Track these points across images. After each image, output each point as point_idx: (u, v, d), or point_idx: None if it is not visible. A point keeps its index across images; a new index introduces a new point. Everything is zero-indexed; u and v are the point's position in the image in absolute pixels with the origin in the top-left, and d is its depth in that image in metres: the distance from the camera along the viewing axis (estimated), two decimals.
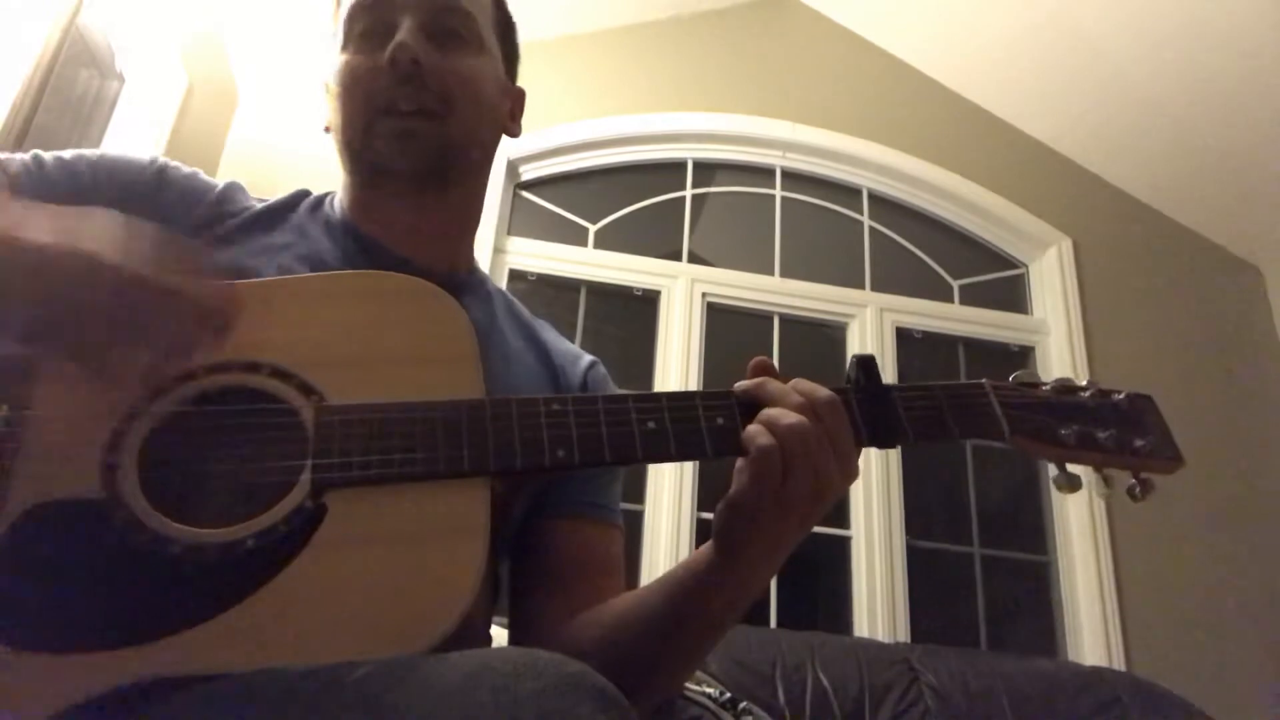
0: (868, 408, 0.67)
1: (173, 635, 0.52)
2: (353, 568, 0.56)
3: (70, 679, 0.50)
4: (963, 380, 0.72)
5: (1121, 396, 0.74)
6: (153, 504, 0.57)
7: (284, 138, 2.63)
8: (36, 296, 0.57)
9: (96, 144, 2.07)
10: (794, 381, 0.66)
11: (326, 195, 0.89)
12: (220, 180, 0.83)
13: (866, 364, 0.69)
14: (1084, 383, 0.76)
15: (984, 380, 0.72)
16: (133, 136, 2.17)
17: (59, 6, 1.77)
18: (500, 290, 0.94)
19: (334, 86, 0.82)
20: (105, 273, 0.57)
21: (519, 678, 0.43)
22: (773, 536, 0.65)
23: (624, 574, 0.85)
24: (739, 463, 0.64)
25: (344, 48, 0.82)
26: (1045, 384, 0.74)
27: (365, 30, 0.81)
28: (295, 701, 0.46)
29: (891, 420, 0.67)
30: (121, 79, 2.16)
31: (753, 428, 0.63)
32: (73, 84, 1.94)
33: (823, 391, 0.64)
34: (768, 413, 0.63)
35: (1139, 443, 0.72)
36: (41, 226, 0.58)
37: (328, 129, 0.85)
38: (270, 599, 0.54)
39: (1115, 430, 0.72)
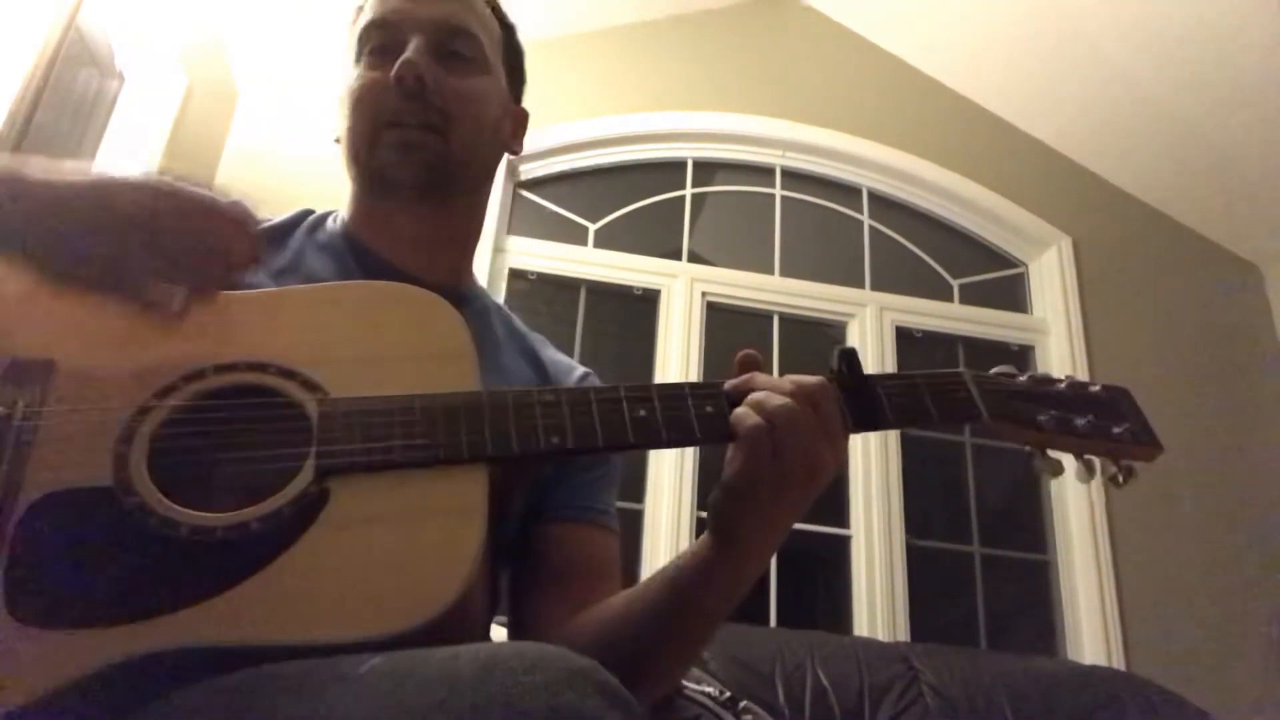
0: (850, 394, 0.70)
1: (176, 611, 0.54)
2: (354, 547, 0.58)
3: (76, 653, 0.52)
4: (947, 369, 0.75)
5: (1098, 388, 0.77)
6: (162, 491, 0.59)
7: (283, 138, 2.63)
8: (65, 229, 0.63)
9: (96, 143, 2.07)
10: (786, 376, 0.68)
11: (328, 214, 0.92)
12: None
13: (849, 355, 0.72)
14: (1061, 376, 0.78)
15: (963, 369, 0.75)
16: (132, 136, 2.17)
17: (59, 6, 1.77)
18: (498, 306, 0.97)
19: (344, 99, 0.86)
20: (123, 198, 0.63)
21: (527, 671, 0.44)
22: (768, 518, 0.67)
23: (620, 577, 0.87)
24: (729, 451, 0.66)
25: (356, 63, 0.87)
26: (1023, 376, 0.77)
27: (376, 47, 0.85)
28: (303, 693, 0.47)
29: (873, 405, 0.71)
30: (121, 78, 2.16)
31: (740, 410, 0.65)
32: (73, 83, 1.94)
33: (813, 378, 0.67)
34: (755, 396, 0.65)
35: (1117, 429, 0.74)
36: (59, 171, 0.65)
37: (338, 140, 0.88)
38: (273, 577, 0.56)
39: (1093, 416, 0.74)
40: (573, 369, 0.94)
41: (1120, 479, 0.74)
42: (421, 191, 0.83)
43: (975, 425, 0.74)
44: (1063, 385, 0.77)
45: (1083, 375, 2.75)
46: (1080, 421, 0.74)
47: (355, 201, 0.89)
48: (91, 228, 0.63)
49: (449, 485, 0.62)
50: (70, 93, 1.94)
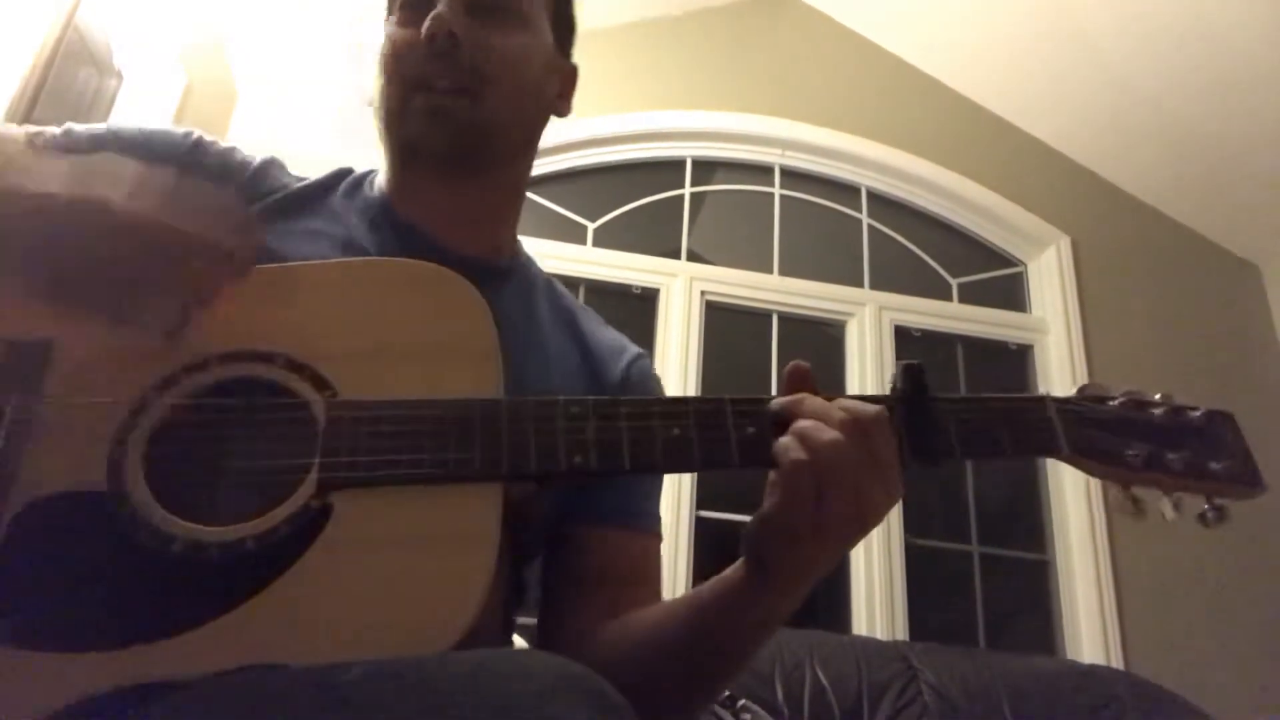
0: (913, 422, 0.62)
1: (171, 638, 0.51)
2: (355, 573, 0.55)
3: (65, 680, 0.50)
4: (1021, 392, 0.67)
5: (1199, 414, 0.68)
6: (158, 498, 0.56)
7: (283, 138, 2.63)
8: (46, 245, 0.59)
9: None
10: (838, 400, 0.61)
11: (367, 175, 0.86)
12: (257, 156, 0.83)
13: (914, 373, 0.64)
14: (1157, 397, 0.69)
15: (1045, 393, 0.67)
16: None
17: (58, 5, 1.77)
18: (545, 277, 0.90)
19: (376, 59, 0.80)
20: (116, 218, 0.59)
21: (516, 680, 0.43)
22: (808, 558, 0.60)
23: (659, 582, 0.82)
24: (771, 476, 0.60)
25: (387, 18, 0.80)
26: (1114, 398, 0.68)
27: (407, 1, 0.79)
28: (287, 703, 0.46)
29: (939, 436, 0.62)
30: (120, 77, 2.16)
31: (785, 440, 0.58)
32: (71, 82, 1.94)
33: (869, 408, 0.59)
34: (802, 425, 0.58)
35: (1214, 465, 0.65)
36: (53, 175, 0.61)
37: (370, 103, 0.82)
38: (270, 603, 0.53)
39: (1188, 451, 0.65)
40: (622, 351, 0.88)
41: (1210, 519, 0.64)
42: (453, 162, 0.78)
43: (1054, 459, 0.64)
44: (1158, 411, 0.67)
45: (1081, 375, 2.74)
46: (1173, 456, 0.64)
47: (387, 171, 0.83)
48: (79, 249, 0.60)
49: (459, 506, 0.57)
50: (69, 91, 1.94)
